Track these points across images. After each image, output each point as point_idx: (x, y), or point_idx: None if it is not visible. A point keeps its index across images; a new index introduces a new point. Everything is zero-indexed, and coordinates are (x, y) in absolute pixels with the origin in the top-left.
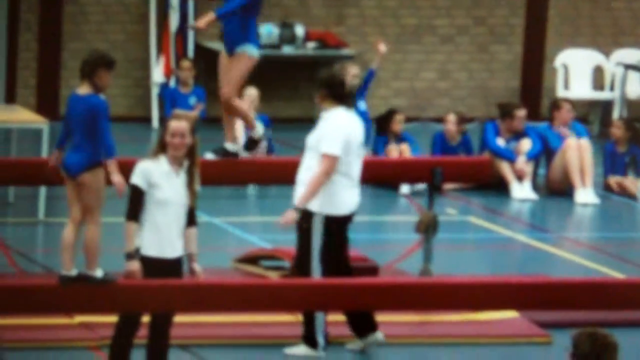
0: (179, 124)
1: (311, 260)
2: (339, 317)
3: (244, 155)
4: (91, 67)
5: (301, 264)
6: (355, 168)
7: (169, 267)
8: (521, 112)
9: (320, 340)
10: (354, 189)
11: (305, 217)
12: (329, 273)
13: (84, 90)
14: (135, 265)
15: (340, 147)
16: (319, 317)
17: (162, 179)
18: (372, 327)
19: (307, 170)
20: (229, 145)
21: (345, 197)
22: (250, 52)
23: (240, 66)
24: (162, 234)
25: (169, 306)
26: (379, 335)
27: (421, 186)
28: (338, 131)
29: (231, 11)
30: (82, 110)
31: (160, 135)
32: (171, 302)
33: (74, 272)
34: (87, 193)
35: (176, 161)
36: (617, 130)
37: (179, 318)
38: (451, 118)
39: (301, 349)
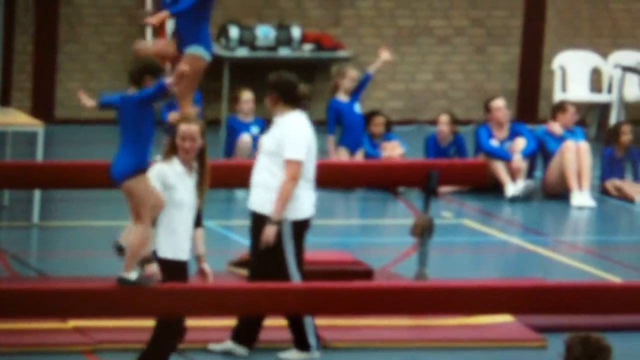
0: (188, 128)
1: (289, 270)
2: (333, 321)
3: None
4: (138, 75)
5: (275, 272)
6: (312, 170)
7: (182, 269)
8: (497, 103)
9: (312, 341)
10: (312, 191)
11: (261, 221)
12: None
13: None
14: (154, 268)
15: (303, 151)
16: (308, 319)
17: (177, 180)
18: (250, 342)
19: (261, 172)
20: None
21: (307, 200)
22: (199, 53)
23: (192, 69)
24: (178, 236)
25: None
26: (244, 351)
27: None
28: (299, 136)
29: (184, 9)
30: (129, 107)
31: (171, 138)
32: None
33: (133, 275)
34: (132, 199)
35: (187, 163)
36: (626, 137)
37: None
38: (444, 119)
39: (293, 354)
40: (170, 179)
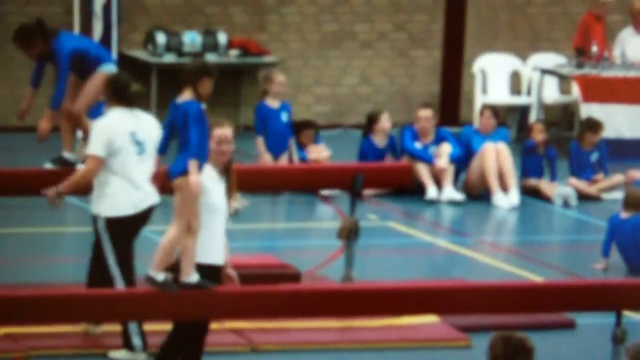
0: (224, 131)
1: (109, 268)
2: (261, 324)
3: (79, 166)
4: (194, 76)
5: (99, 274)
6: (134, 169)
7: (216, 274)
8: (424, 112)
9: (137, 342)
10: (137, 190)
11: (94, 220)
12: (127, 281)
13: (183, 97)
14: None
15: (101, 147)
16: (133, 324)
17: (211, 184)
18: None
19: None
20: (67, 154)
21: (125, 198)
22: (109, 69)
23: (98, 83)
24: (215, 240)
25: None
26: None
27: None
28: (101, 131)
29: (64, 71)
30: (180, 116)
31: None
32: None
33: (160, 276)
34: (178, 197)
35: (219, 167)
36: (539, 134)
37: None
38: (385, 116)
39: (122, 354)
40: (205, 182)
